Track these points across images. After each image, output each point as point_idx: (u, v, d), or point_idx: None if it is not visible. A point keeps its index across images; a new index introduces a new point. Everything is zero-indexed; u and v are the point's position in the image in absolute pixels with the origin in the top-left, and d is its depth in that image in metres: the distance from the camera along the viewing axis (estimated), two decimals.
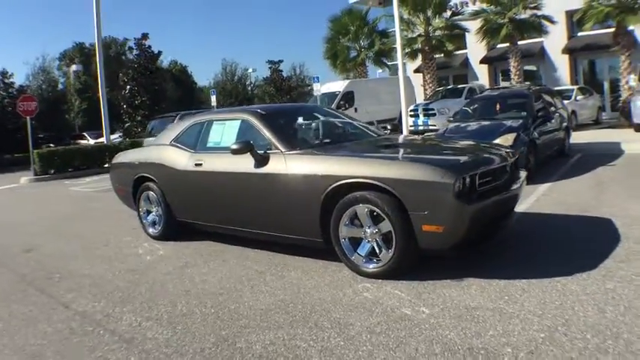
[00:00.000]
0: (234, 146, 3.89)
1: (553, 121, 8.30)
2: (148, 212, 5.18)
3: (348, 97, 18.30)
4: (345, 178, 3.35)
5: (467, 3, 20.94)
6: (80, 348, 2.66)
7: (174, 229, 4.94)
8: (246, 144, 3.89)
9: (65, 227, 6.38)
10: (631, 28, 14.63)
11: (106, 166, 15.02)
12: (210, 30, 67.04)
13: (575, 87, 16.39)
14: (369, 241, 3.38)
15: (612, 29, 16.04)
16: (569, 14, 19.91)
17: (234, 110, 5.29)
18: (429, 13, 19.30)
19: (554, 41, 19.73)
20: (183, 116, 9.84)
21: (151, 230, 5.15)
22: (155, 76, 23.07)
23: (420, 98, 20.56)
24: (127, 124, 22.18)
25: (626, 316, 2.51)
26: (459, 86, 19.82)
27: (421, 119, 16.51)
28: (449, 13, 19.94)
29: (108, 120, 16.54)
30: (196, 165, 4.43)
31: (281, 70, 30.83)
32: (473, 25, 20.07)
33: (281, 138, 3.98)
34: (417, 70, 24.11)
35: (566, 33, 20.40)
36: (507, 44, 18.67)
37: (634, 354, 2.15)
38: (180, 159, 4.63)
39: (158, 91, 22.93)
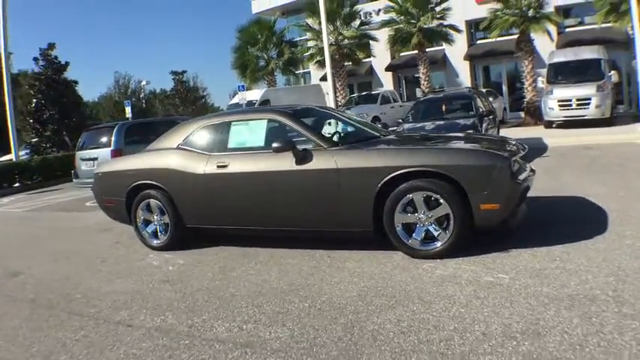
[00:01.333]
0: (276, 145, 4.06)
1: (491, 117, 9.58)
2: (147, 223, 5.04)
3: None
4: (404, 168, 3.72)
5: (371, 13, 22.64)
6: None
7: (181, 238, 4.87)
8: (288, 142, 4.08)
9: (33, 248, 5.95)
10: (532, 36, 17.13)
11: (17, 185, 13.64)
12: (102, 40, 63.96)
13: (484, 90, 18.64)
14: (423, 226, 3.81)
15: (508, 37, 18.65)
16: (469, 24, 22.71)
17: (256, 110, 5.36)
18: (339, 22, 20.63)
19: (456, 49, 22.20)
20: (129, 126, 9.42)
21: (153, 241, 5.00)
22: (63, 89, 21.85)
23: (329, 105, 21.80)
24: (34, 140, 20.67)
25: None
26: (373, 92, 21.44)
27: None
28: (357, 22, 21.47)
29: (15, 136, 15.21)
30: (219, 167, 4.45)
31: (185, 81, 30.30)
32: (380, 34, 21.88)
33: (320, 135, 4.24)
34: (323, 78, 25.44)
35: (466, 41, 23.13)
36: (411, 52, 20.72)
37: None
38: (195, 162, 4.61)
39: (66, 104, 21.51)
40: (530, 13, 16.70)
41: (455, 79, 24.42)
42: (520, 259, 3.57)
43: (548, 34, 17.23)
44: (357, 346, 2.53)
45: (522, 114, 18.12)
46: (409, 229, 3.85)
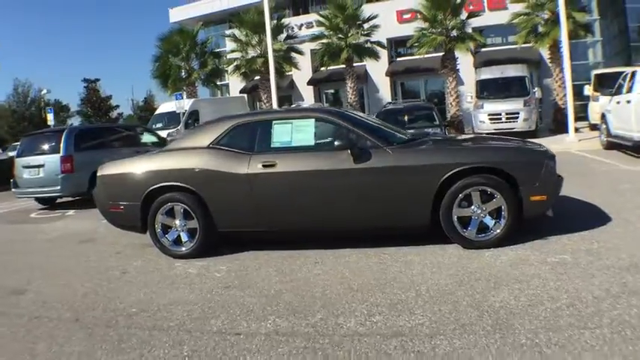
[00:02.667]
0: (338, 143, 4.27)
1: (447, 127, 10.61)
2: (165, 229, 4.83)
3: (193, 117, 18.51)
4: (465, 164, 4.15)
5: (297, 27, 23.42)
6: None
7: (210, 244, 4.77)
8: (349, 140, 4.30)
9: (16, 264, 5.36)
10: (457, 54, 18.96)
11: None
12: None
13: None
14: (477, 218, 4.28)
15: (427, 55, 20.38)
16: (390, 41, 24.43)
17: (298, 110, 5.41)
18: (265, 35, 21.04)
19: (377, 65, 23.68)
20: (79, 131, 8.86)
21: (176, 249, 4.80)
22: None
23: None
24: None
25: None
26: (304, 106, 22.03)
27: None
28: (284, 35, 22.04)
29: None
30: (265, 166, 4.48)
31: (98, 90, 28.61)
32: (304, 48, 22.71)
33: (375, 135, 4.50)
34: (243, 90, 25.63)
35: (387, 58, 24.81)
36: (332, 67, 21.74)
37: None
38: (234, 162, 4.57)
39: None
40: (454, 32, 18.57)
41: (375, 95, 26.06)
42: (563, 244, 4.17)
43: (472, 52, 19.21)
44: (507, 319, 2.83)
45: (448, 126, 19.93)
46: (463, 222, 4.29)
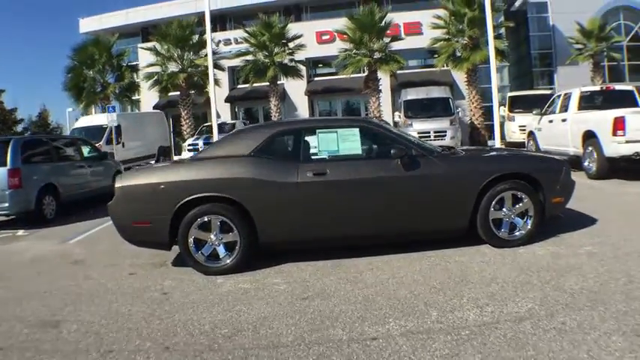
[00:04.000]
0: (394, 151, 4.60)
1: None
2: (199, 244, 4.69)
3: (116, 132, 17.66)
4: (503, 171, 4.73)
5: (220, 42, 23.42)
6: None
7: (249, 257, 4.72)
8: (403, 149, 4.66)
9: (21, 290, 4.61)
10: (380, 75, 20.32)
11: None
12: None
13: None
14: (508, 220, 4.88)
15: (343, 76, 21.56)
16: (309, 61, 25.35)
17: (340, 120, 5.58)
18: (187, 50, 20.78)
19: (296, 84, 24.44)
20: (25, 141, 8.20)
21: (215, 264, 4.66)
22: None
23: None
24: None
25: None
26: (228, 122, 22.03)
27: None
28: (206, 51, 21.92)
29: None
30: (316, 175, 4.62)
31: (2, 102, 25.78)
32: (224, 64, 22.78)
33: (418, 145, 4.91)
34: (156, 107, 24.92)
35: (306, 77, 25.69)
36: (249, 85, 22.13)
37: None
38: (281, 171, 4.64)
39: None
40: (377, 55, 19.96)
41: (294, 113, 26.77)
42: (579, 238, 4.93)
43: (394, 75, 20.70)
44: (597, 296, 3.36)
45: None
46: (495, 223, 4.87)
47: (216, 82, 21.92)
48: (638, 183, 8.19)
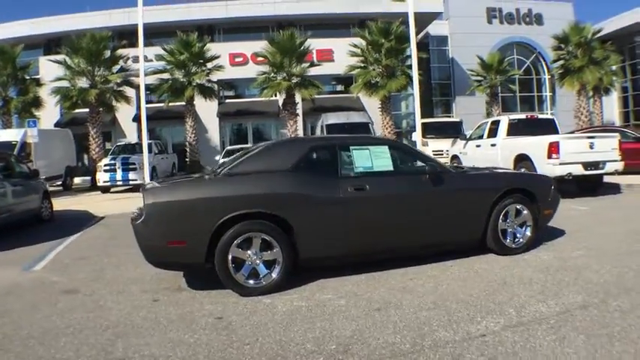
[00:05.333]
0: (429, 169, 5.07)
1: None
2: (238, 263, 4.59)
3: (26, 149, 16.16)
4: (510, 186, 5.42)
5: (129, 58, 22.33)
6: None
7: (289, 275, 4.71)
8: (435, 165, 5.15)
9: (31, 328, 3.74)
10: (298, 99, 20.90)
11: None
12: None
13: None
14: (511, 230, 5.56)
15: (255, 99, 21.86)
16: (220, 83, 25.12)
17: (366, 137, 5.73)
18: (99, 65, 19.56)
19: (207, 105, 23.99)
20: None
21: (256, 284, 4.59)
22: None
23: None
24: None
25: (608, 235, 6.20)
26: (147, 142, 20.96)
27: (119, 174, 16.82)
28: (118, 67, 20.84)
29: None
30: (357, 190, 4.85)
31: None
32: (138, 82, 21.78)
33: (439, 162, 5.42)
34: (57, 124, 23.06)
35: (216, 99, 25.43)
36: (163, 104, 21.58)
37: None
38: (324, 186, 4.79)
39: None
40: (295, 79, 20.56)
41: (204, 135, 26.31)
42: (563, 246, 5.81)
43: (312, 99, 21.39)
44: (621, 287, 4.06)
45: None
46: (503, 234, 5.49)
47: (127, 100, 20.98)
48: (574, 200, 9.60)
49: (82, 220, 10.76)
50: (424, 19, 25.22)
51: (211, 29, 26.94)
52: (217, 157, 24.39)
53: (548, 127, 10.95)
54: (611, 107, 31.75)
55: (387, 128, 21.10)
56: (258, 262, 4.65)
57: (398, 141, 5.83)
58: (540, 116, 12.19)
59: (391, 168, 5.22)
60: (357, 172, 5.02)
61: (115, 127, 25.46)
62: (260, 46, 21.47)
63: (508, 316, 3.75)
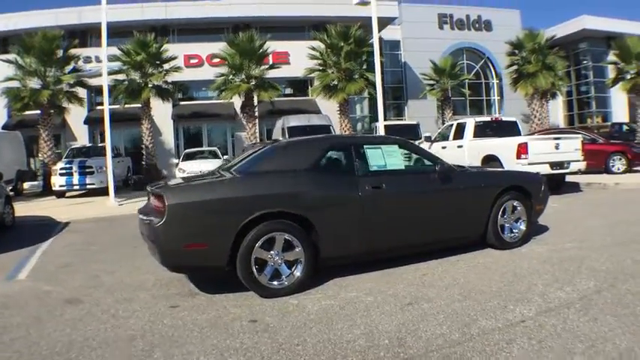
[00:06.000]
0: (440, 167, 5.28)
1: None
2: (260, 265, 4.54)
3: None
4: (509, 183, 5.75)
5: (80, 59, 21.30)
6: None
7: (311, 274, 4.70)
8: (445, 163, 5.37)
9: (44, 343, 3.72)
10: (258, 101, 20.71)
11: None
12: None
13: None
14: (510, 225, 5.88)
15: (212, 101, 21.48)
16: (176, 84, 24.44)
17: (377, 136, 5.77)
18: (51, 65, 18.50)
19: (161, 107, 23.27)
20: None
21: (279, 285, 4.55)
22: None
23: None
24: None
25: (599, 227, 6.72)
26: (99, 145, 20.11)
27: (76, 178, 16.20)
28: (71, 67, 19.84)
29: None
30: (374, 188, 4.95)
31: None
32: (95, 83, 20.87)
33: (444, 160, 5.63)
34: (5, 127, 21.76)
35: (171, 101, 24.75)
36: (119, 106, 20.84)
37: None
38: (343, 184, 4.88)
39: None
40: (255, 81, 20.39)
41: (159, 137, 25.55)
42: (553, 239, 6.23)
43: (271, 102, 21.26)
44: (627, 274, 4.44)
45: None
46: (502, 229, 5.80)
47: (80, 101, 19.98)
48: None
49: (48, 227, 10.27)
50: (380, 24, 25.72)
51: (165, 30, 26.18)
52: (175, 160, 23.96)
53: (511, 129, 11.58)
54: (556, 110, 33.77)
55: (345, 131, 21.36)
56: (280, 262, 4.62)
57: (406, 140, 5.96)
58: (504, 118, 12.84)
59: (402, 166, 5.41)
60: (373, 171, 5.14)
61: (65, 129, 24.21)
62: (217, 47, 21.16)
63: (536, 303, 4.00)
